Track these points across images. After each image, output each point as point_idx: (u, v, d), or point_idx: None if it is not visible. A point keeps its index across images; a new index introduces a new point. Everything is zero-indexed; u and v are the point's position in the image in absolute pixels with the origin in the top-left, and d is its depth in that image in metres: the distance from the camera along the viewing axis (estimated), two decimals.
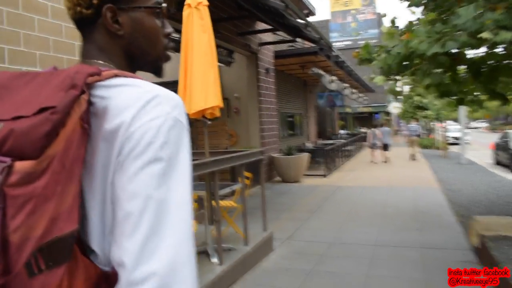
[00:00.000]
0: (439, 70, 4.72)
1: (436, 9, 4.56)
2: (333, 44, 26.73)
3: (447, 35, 4.04)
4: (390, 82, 4.78)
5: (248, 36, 10.62)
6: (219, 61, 10.22)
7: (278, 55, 13.08)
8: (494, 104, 8.56)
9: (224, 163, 4.56)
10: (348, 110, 39.15)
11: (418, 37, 4.13)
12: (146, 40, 0.93)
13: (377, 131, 18.15)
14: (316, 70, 13.58)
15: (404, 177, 12.64)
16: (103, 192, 0.75)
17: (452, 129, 28.45)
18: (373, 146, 17.89)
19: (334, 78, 13.46)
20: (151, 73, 0.99)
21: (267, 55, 12.18)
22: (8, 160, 0.64)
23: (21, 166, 0.64)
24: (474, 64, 5.01)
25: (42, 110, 0.67)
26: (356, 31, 40.12)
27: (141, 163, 0.72)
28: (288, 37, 11.29)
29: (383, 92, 42.85)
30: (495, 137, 17.90)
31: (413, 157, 18.02)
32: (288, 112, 17.67)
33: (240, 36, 10.24)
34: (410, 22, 4.74)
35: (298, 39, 12.20)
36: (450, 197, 9.15)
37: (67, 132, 0.68)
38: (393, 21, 4.48)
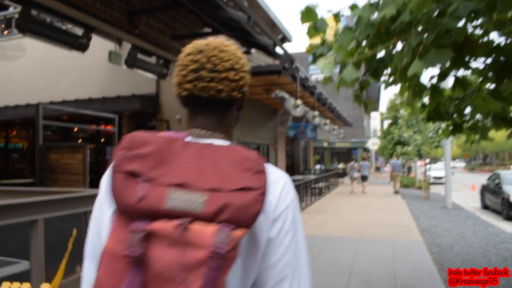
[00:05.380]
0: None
1: None
2: (312, 76, 24.89)
3: None
4: (349, 71, 2.56)
5: (188, 41, 8.38)
6: (151, 71, 7.91)
7: None
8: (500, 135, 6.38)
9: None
10: (324, 144, 37.27)
11: None
12: (239, 114, 1.19)
13: (356, 164, 21.62)
14: (280, 93, 11.40)
15: (380, 224, 10.30)
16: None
17: (434, 167, 26.58)
18: (351, 178, 20.79)
19: (299, 102, 11.25)
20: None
21: None
22: (231, 227, 0.82)
23: (237, 233, 0.82)
24: (501, 52, 2.81)
25: (242, 188, 0.86)
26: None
27: (290, 239, 0.95)
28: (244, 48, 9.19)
29: (362, 127, 41.17)
30: (475, 178, 16.26)
31: (396, 192, 19.27)
32: (250, 142, 15.51)
33: (176, 41, 8.03)
34: None
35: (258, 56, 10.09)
36: (438, 258, 6.87)
37: None
38: None
